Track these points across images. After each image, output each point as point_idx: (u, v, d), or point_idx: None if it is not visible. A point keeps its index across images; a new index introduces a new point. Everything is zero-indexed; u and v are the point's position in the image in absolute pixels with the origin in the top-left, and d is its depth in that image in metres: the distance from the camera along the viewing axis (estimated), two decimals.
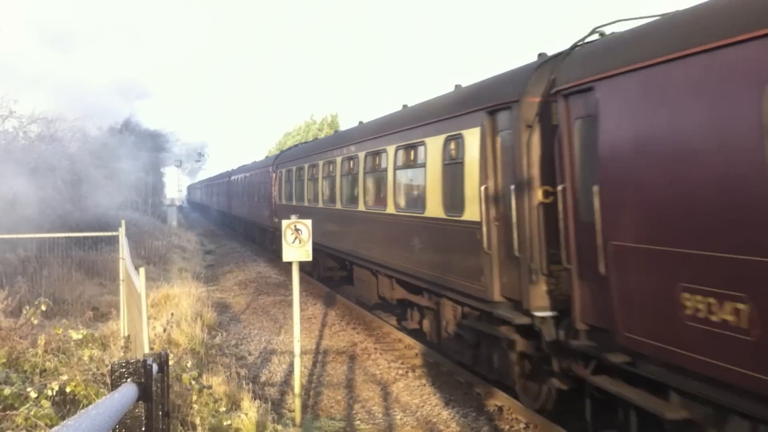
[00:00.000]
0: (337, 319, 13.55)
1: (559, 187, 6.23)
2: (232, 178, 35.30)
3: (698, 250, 4.55)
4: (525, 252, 6.83)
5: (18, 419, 5.14)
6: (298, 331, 7.71)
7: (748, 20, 4.23)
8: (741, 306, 4.19)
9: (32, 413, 5.21)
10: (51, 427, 4.94)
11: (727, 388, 4.45)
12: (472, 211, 7.79)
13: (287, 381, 9.26)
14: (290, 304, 11.69)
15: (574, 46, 6.50)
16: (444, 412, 7.99)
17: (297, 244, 7.54)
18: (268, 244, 23.97)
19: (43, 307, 8.06)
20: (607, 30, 6.33)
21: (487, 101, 7.64)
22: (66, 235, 12.50)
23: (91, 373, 6.78)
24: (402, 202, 10.51)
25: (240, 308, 15.11)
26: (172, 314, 10.17)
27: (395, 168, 10.55)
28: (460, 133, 8.20)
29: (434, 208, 8.93)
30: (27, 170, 15.01)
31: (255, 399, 7.31)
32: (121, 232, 10.36)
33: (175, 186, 65.44)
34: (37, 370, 7.17)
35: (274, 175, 22.41)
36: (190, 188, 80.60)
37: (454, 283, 8.38)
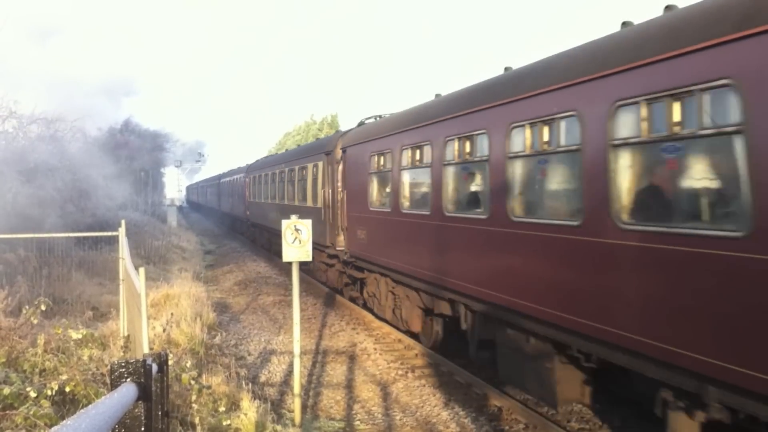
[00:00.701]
0: (336, 319, 13.55)
1: (343, 190, 14.35)
2: (221, 180, 42.06)
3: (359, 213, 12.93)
4: (336, 221, 14.77)
5: (17, 419, 5.14)
6: (297, 332, 7.71)
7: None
8: (364, 231, 12.42)
9: (32, 413, 5.21)
10: (50, 426, 4.94)
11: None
12: (319, 201, 16.19)
13: (287, 381, 9.26)
14: (290, 304, 11.69)
15: (348, 131, 15.18)
16: (444, 412, 7.99)
17: (297, 244, 7.54)
18: (244, 231, 32.80)
19: (43, 307, 8.05)
20: (388, 110, 14.15)
21: (324, 149, 16.20)
22: (66, 235, 12.50)
23: (90, 372, 6.78)
24: (296, 198, 19.29)
25: (240, 308, 15.11)
26: (171, 314, 10.16)
27: (293, 178, 19.88)
28: (316, 163, 16.76)
29: (309, 201, 17.39)
30: (27, 170, 15.02)
31: (254, 399, 7.30)
32: (121, 232, 10.36)
33: (175, 186, 65.69)
34: (37, 370, 7.16)
35: (246, 179, 29.78)
36: (188, 189, 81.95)
37: (318, 239, 13.93)
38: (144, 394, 2.31)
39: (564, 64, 6.66)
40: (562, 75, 6.44)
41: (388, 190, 11.40)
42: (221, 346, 10.82)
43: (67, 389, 5.79)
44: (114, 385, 2.25)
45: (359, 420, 7.86)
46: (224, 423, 6.36)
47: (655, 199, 5.44)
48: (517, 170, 7.29)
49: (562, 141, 6.42)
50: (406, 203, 10.59)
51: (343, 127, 23.83)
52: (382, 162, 11.62)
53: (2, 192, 13.81)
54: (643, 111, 5.25)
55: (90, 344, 8.06)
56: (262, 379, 9.52)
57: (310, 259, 7.82)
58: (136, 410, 2.33)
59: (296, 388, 7.62)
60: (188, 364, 7.27)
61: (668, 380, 5.12)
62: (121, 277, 10.15)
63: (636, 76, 5.38)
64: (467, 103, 8.57)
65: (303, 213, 11.96)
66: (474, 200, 8.52)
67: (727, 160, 4.66)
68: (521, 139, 7.06)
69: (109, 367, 4.58)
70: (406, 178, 10.58)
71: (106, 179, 22.37)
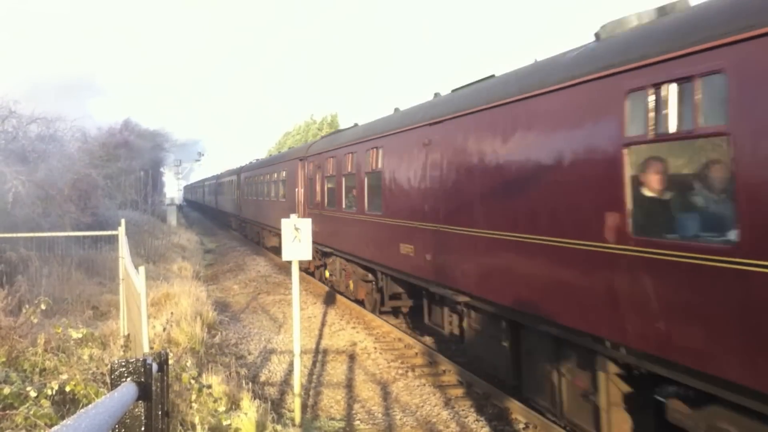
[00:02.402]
0: (336, 319, 13.55)
1: (302, 188, 18.38)
2: (218, 180, 46.48)
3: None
4: (305, 208, 17.88)
5: (17, 418, 5.14)
6: (297, 331, 7.70)
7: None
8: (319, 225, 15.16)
9: (32, 412, 5.20)
10: (50, 426, 4.93)
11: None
12: (291, 198, 19.79)
13: (287, 380, 9.26)
14: (290, 303, 11.69)
15: (313, 142, 18.94)
16: (444, 412, 7.99)
17: (297, 243, 7.53)
18: (236, 227, 36.83)
19: (43, 306, 8.03)
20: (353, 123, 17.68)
21: (297, 155, 19.48)
22: (66, 234, 12.50)
23: (90, 372, 6.77)
24: (279, 194, 22.09)
25: (240, 307, 15.11)
26: (171, 313, 10.15)
27: (271, 180, 23.68)
28: (294, 165, 19.72)
29: (282, 198, 21.54)
30: (27, 170, 15.00)
31: (255, 398, 7.30)
32: (121, 231, 10.35)
33: (175, 185, 66.00)
34: (37, 369, 7.16)
35: (237, 180, 34.37)
36: (186, 188, 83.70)
37: None
38: (144, 393, 2.30)
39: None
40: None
41: (335, 191, 15.04)
42: (221, 346, 10.82)
43: (67, 389, 5.78)
44: (114, 385, 2.25)
45: (359, 419, 7.86)
46: (224, 422, 6.35)
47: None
48: (372, 182, 12.10)
49: (374, 166, 11.79)
50: (344, 203, 14.14)
51: (343, 126, 27.86)
52: (329, 169, 15.29)
53: (2, 192, 13.79)
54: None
55: (90, 343, 8.05)
56: (262, 378, 9.52)
57: (309, 257, 7.81)
58: (136, 410, 2.32)
59: (296, 387, 7.62)
60: (188, 364, 7.27)
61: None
62: (121, 276, 10.15)
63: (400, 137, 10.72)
64: (266, 163, 23.10)
65: (278, 208, 21.21)
66: (362, 200, 12.69)
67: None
68: (371, 160, 11.97)
69: (109, 366, 4.57)
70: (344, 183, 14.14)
71: (106, 179, 22.35)
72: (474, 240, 7.87)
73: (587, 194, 5.65)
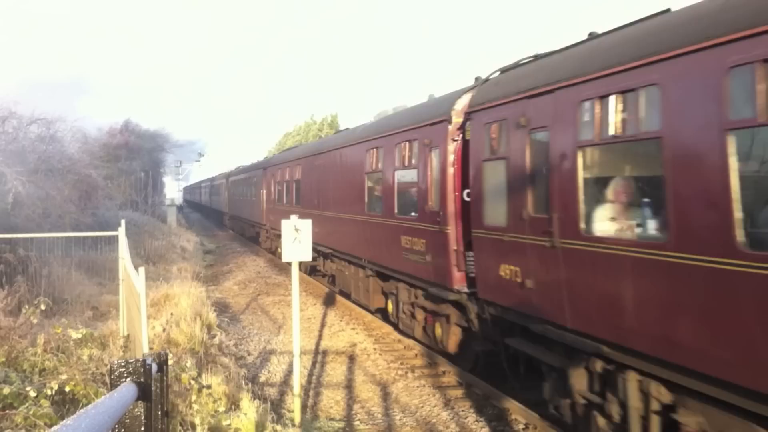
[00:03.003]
0: (336, 319, 13.55)
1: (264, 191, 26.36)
2: (213, 183, 53.10)
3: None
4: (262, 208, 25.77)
5: (17, 418, 5.14)
6: (297, 332, 7.70)
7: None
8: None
9: (31, 412, 5.21)
10: (50, 426, 4.93)
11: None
12: (261, 197, 26.93)
13: (287, 381, 9.26)
14: (289, 304, 11.69)
15: (269, 159, 27.46)
16: (443, 412, 7.99)
17: (297, 244, 7.53)
18: (226, 222, 42.39)
19: (43, 307, 8.04)
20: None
21: (263, 165, 27.80)
22: (66, 234, 12.48)
23: (90, 372, 6.78)
24: (253, 196, 27.85)
25: (239, 308, 15.11)
26: (171, 314, 10.16)
27: (253, 183, 28.66)
28: (259, 173, 28.25)
29: (257, 197, 27.72)
30: (27, 171, 14.99)
31: (254, 399, 7.30)
32: (121, 232, 10.36)
33: (175, 186, 66.29)
34: (37, 370, 7.16)
35: (225, 182, 41.03)
36: (185, 189, 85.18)
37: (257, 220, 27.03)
38: (144, 393, 2.31)
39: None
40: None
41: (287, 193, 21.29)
42: (221, 346, 10.82)
43: (67, 389, 5.78)
44: (114, 385, 2.25)
45: (359, 420, 7.86)
46: (224, 423, 6.35)
47: None
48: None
49: (296, 176, 19.13)
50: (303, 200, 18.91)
51: (342, 127, 29.48)
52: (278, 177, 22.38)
53: (2, 192, 13.79)
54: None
55: (90, 344, 8.06)
56: (262, 379, 9.52)
57: (309, 258, 7.81)
58: (136, 410, 2.33)
59: (296, 388, 7.62)
60: (188, 364, 7.26)
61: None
62: (120, 276, 10.15)
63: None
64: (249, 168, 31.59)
65: (255, 206, 27.20)
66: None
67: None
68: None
69: (108, 366, 4.58)
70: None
71: (106, 179, 22.35)
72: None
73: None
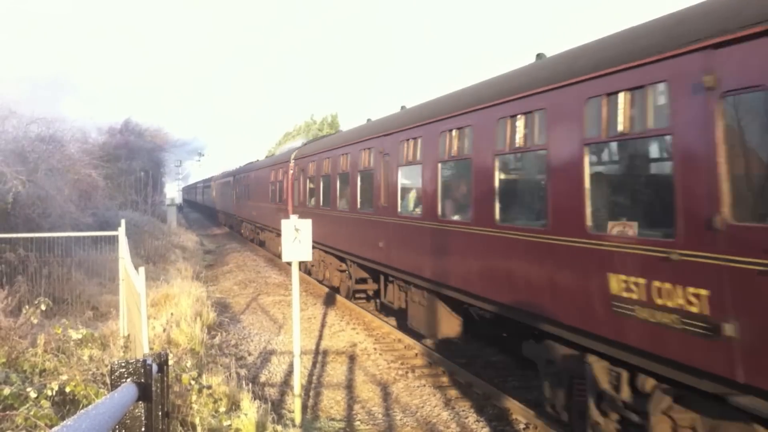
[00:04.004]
0: (336, 319, 13.54)
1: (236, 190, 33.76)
2: (211, 183, 54.14)
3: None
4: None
5: (17, 419, 5.13)
6: (297, 332, 7.69)
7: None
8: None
9: (32, 413, 5.20)
10: (51, 427, 4.93)
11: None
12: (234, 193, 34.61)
13: (287, 381, 9.26)
14: (290, 304, 11.69)
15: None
16: (444, 412, 7.98)
17: (297, 244, 7.52)
18: (220, 218, 45.91)
19: (43, 307, 8.05)
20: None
21: (231, 173, 37.71)
22: (66, 234, 12.48)
23: (90, 373, 6.77)
24: (235, 194, 34.07)
25: (240, 308, 15.10)
26: (171, 314, 10.16)
27: (239, 184, 33.63)
28: (227, 178, 39.31)
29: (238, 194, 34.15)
30: (27, 170, 14.98)
31: (255, 399, 7.30)
32: (121, 232, 10.35)
33: (175, 186, 66.65)
34: (37, 370, 7.15)
35: (220, 182, 44.19)
36: (184, 189, 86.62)
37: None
38: (144, 394, 2.30)
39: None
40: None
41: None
42: (221, 346, 10.82)
43: (67, 389, 5.78)
44: (114, 386, 2.25)
45: (359, 420, 7.85)
46: (224, 423, 6.35)
47: None
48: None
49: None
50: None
51: (343, 127, 31.30)
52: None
53: (2, 192, 13.79)
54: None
55: (90, 344, 8.06)
56: (263, 379, 9.51)
57: (309, 258, 7.80)
58: (137, 410, 2.32)
59: (296, 388, 7.61)
60: (188, 364, 7.26)
61: None
62: (120, 276, 10.14)
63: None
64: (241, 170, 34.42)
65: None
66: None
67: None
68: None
69: (109, 367, 4.57)
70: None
71: (106, 179, 22.33)
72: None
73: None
